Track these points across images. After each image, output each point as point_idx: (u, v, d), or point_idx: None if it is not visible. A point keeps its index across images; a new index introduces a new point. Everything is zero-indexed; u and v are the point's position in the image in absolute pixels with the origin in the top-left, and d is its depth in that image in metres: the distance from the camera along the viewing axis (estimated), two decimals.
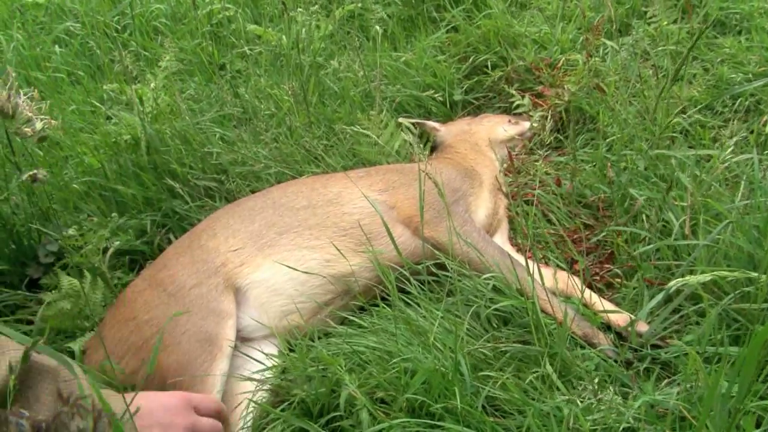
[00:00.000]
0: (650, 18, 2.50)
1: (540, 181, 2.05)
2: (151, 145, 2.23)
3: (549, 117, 2.31)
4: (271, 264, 1.69)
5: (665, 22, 2.42)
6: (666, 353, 1.40)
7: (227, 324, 1.57)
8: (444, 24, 2.85)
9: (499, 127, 2.34)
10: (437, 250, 1.73)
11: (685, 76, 1.88)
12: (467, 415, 1.24)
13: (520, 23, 2.69)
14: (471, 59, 2.64)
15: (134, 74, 2.51)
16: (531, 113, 2.41)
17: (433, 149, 2.39)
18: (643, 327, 1.48)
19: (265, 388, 1.50)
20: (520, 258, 1.76)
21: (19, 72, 2.83)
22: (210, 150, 2.29)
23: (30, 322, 1.80)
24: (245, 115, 2.54)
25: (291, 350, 1.56)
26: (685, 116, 2.03)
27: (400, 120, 2.38)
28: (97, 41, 2.95)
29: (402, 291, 1.56)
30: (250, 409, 1.43)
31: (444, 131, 2.39)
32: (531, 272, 1.49)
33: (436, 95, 2.53)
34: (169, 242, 2.08)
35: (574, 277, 1.65)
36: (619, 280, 1.68)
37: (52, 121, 0.94)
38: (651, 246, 1.61)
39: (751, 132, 1.94)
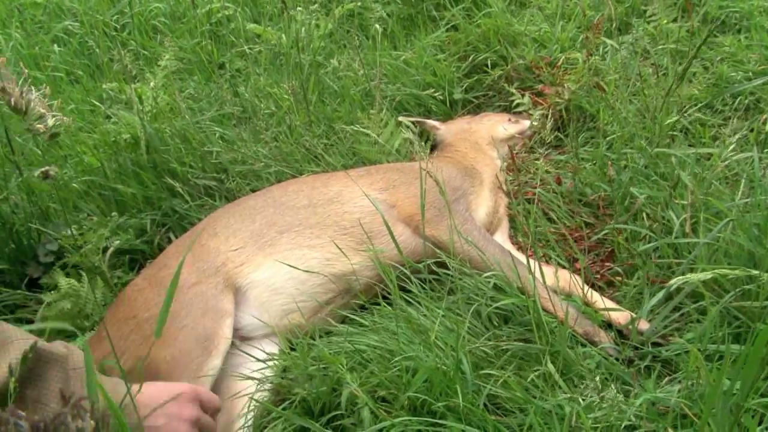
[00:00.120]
0: (650, 17, 2.50)
1: (540, 180, 2.05)
2: (150, 144, 2.23)
3: (550, 115, 2.31)
4: (271, 263, 1.68)
5: (665, 21, 2.42)
6: (667, 351, 1.40)
7: (225, 322, 1.56)
8: (444, 23, 2.85)
9: (499, 126, 2.34)
10: (438, 249, 1.72)
11: (677, 73, 1.87)
12: (469, 413, 1.24)
13: (520, 22, 2.69)
14: (471, 58, 2.64)
15: (133, 73, 2.51)
16: (531, 112, 2.41)
17: (433, 148, 2.39)
18: (644, 325, 1.48)
19: (266, 387, 1.50)
20: (521, 256, 1.75)
21: (18, 71, 2.82)
22: (210, 149, 2.29)
23: (30, 321, 1.80)
24: (245, 114, 2.54)
25: (292, 349, 1.56)
26: (685, 114, 2.03)
27: (400, 119, 2.38)
28: (96, 40, 2.95)
29: (403, 289, 1.56)
30: (251, 407, 1.43)
31: (444, 130, 2.39)
32: (532, 270, 1.49)
33: (436, 94, 2.53)
34: (169, 241, 2.09)
35: (575, 276, 1.65)
36: (619, 278, 1.68)
37: (64, 118, 0.94)
38: (652, 244, 1.61)
39: (751, 130, 1.94)
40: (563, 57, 2.50)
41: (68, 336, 1.71)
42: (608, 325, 1.54)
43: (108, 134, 2.31)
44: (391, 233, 1.61)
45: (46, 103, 0.94)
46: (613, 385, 1.21)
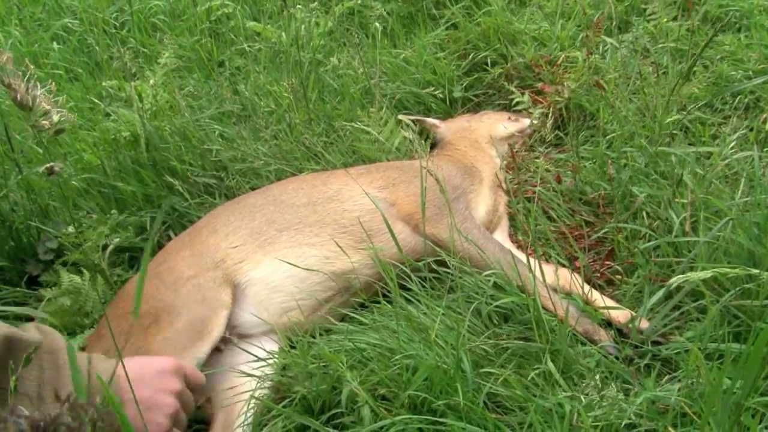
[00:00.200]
0: (650, 15, 2.50)
1: (540, 178, 2.05)
2: (150, 142, 2.23)
3: (550, 114, 2.31)
4: (271, 261, 1.68)
5: (665, 20, 2.42)
6: (667, 350, 1.41)
7: (221, 313, 1.57)
8: (444, 21, 2.85)
9: (499, 124, 2.34)
10: (438, 247, 1.73)
11: (682, 73, 1.88)
12: (469, 411, 1.24)
13: (520, 20, 2.69)
14: (471, 56, 2.64)
15: (133, 71, 2.50)
16: (531, 110, 2.41)
17: (433, 146, 2.39)
18: (643, 324, 1.49)
19: (266, 385, 1.50)
20: (520, 255, 1.76)
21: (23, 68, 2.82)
22: (209, 147, 2.29)
23: (29, 319, 1.80)
24: (245, 112, 2.54)
25: (292, 347, 1.56)
26: (685, 113, 2.03)
27: (400, 117, 2.38)
28: (96, 38, 2.94)
29: (402, 288, 1.56)
30: (251, 405, 1.43)
31: (444, 128, 2.39)
32: (532, 269, 1.50)
33: (435, 92, 2.53)
34: (169, 239, 2.08)
35: (575, 274, 1.65)
36: (619, 276, 1.68)
37: (69, 115, 0.94)
38: (652, 243, 1.61)
39: (751, 129, 1.94)
40: (563, 55, 2.50)
41: (70, 334, 1.71)
42: (608, 324, 1.55)
43: (108, 132, 2.31)
44: (391, 231, 1.61)
45: (51, 100, 0.94)
46: (613, 384, 1.22)
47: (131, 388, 1.04)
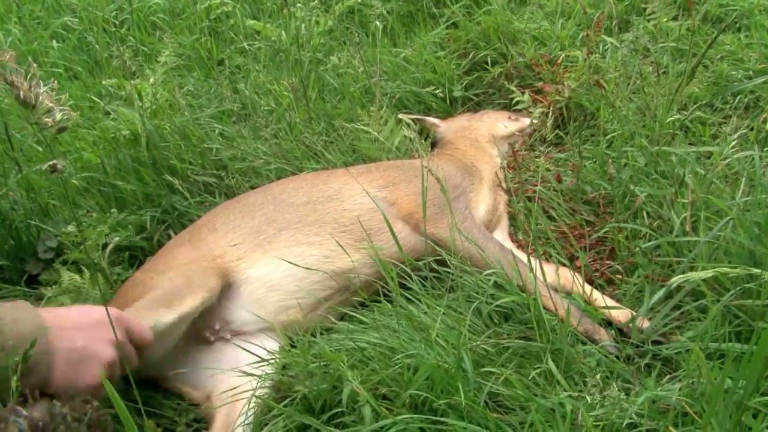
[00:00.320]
0: (650, 15, 2.50)
1: (541, 178, 2.05)
2: (150, 141, 2.22)
3: (551, 113, 2.31)
4: (269, 260, 1.68)
5: (665, 19, 2.43)
6: (667, 349, 1.41)
7: (199, 293, 1.54)
8: (444, 20, 2.84)
9: (499, 124, 2.34)
10: (438, 247, 1.73)
11: (686, 73, 1.88)
12: (470, 411, 1.24)
13: (520, 19, 2.69)
14: (471, 55, 2.64)
15: (133, 70, 2.50)
16: (531, 110, 2.41)
17: (433, 145, 2.39)
18: (644, 323, 1.49)
19: (266, 384, 1.50)
20: (521, 254, 1.76)
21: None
22: (209, 146, 2.29)
23: None
24: (244, 110, 2.54)
25: (293, 346, 1.56)
26: (686, 114, 2.03)
27: (400, 116, 2.37)
28: (95, 36, 2.94)
29: (403, 287, 1.56)
30: (252, 405, 1.43)
31: (444, 127, 2.39)
32: (533, 268, 1.50)
33: (436, 91, 2.53)
34: (169, 238, 2.08)
35: (576, 274, 1.65)
36: (619, 276, 1.68)
37: (72, 113, 0.94)
38: (652, 243, 1.61)
39: (751, 129, 1.94)
40: (563, 55, 2.50)
41: None
42: (608, 324, 1.55)
43: (107, 130, 2.30)
44: (391, 230, 1.61)
45: (53, 98, 0.94)
46: (614, 383, 1.22)
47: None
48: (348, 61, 2.61)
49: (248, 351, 1.54)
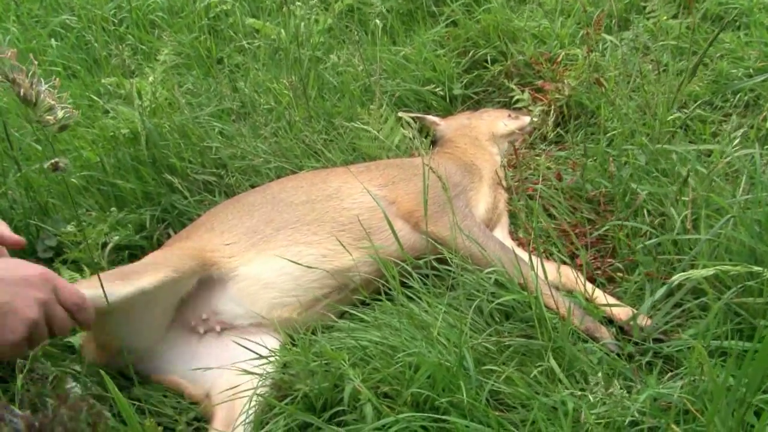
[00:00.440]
0: (649, 13, 2.50)
1: (542, 176, 2.05)
2: (149, 140, 2.22)
3: (552, 111, 2.31)
4: (264, 259, 1.68)
5: (664, 17, 2.43)
6: (668, 347, 1.41)
7: (161, 271, 1.51)
8: (443, 18, 2.84)
9: (499, 122, 2.34)
10: (438, 245, 1.72)
11: (688, 71, 1.88)
12: (472, 409, 1.24)
13: (520, 18, 2.69)
14: (470, 54, 2.63)
15: (132, 68, 2.49)
16: (531, 108, 2.41)
17: (432, 144, 2.39)
18: (645, 321, 1.49)
19: (267, 383, 1.49)
20: (522, 253, 1.76)
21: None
22: (209, 144, 2.28)
23: None
24: (244, 109, 2.53)
25: (293, 344, 1.56)
26: (685, 111, 2.03)
27: (400, 114, 2.38)
28: (94, 35, 2.93)
29: (403, 285, 1.56)
30: (253, 403, 1.43)
31: (444, 126, 2.39)
32: (534, 267, 1.49)
33: (435, 90, 2.52)
34: (168, 236, 2.08)
35: (576, 272, 1.65)
36: (620, 274, 1.68)
37: (73, 110, 0.94)
38: (653, 240, 1.61)
39: (751, 127, 1.94)
40: (563, 53, 2.50)
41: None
42: (609, 321, 1.55)
43: (107, 129, 2.30)
44: (392, 229, 1.61)
45: (55, 95, 0.93)
46: (616, 381, 1.22)
47: None
48: (348, 60, 2.61)
49: (248, 349, 1.54)
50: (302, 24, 2.52)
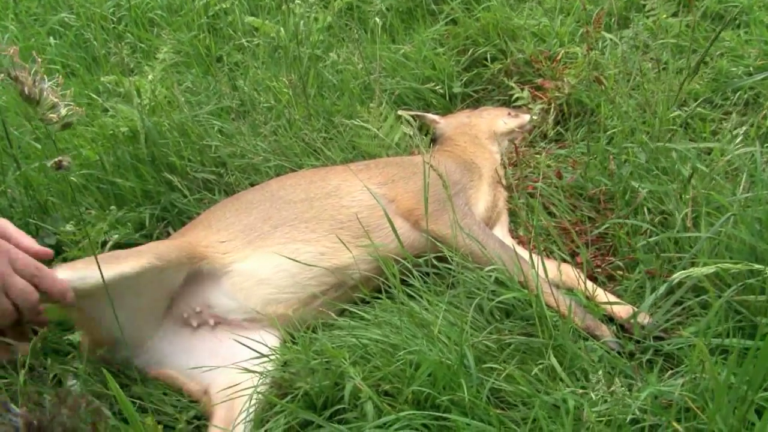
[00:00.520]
0: (649, 11, 2.50)
1: (542, 174, 2.05)
2: (149, 138, 2.22)
3: (552, 109, 2.31)
4: (260, 255, 1.68)
5: (664, 15, 2.43)
6: (669, 345, 1.41)
7: (144, 257, 1.51)
8: (443, 16, 2.84)
9: (499, 120, 2.34)
10: (438, 243, 1.72)
11: (690, 69, 1.88)
12: (473, 407, 1.24)
13: (519, 16, 2.68)
14: (470, 52, 2.63)
15: (131, 66, 2.49)
16: (530, 106, 2.41)
17: (432, 142, 2.39)
18: (645, 319, 1.49)
19: (266, 381, 1.49)
20: (523, 251, 1.76)
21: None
22: (208, 143, 2.28)
23: None
24: (243, 107, 2.53)
25: (294, 342, 1.56)
26: (685, 109, 2.03)
27: (400, 112, 2.38)
28: (93, 33, 2.93)
29: (403, 283, 1.56)
30: (254, 401, 1.43)
31: (443, 124, 2.38)
32: (535, 265, 1.49)
33: (435, 88, 2.52)
34: (168, 235, 2.08)
35: (577, 269, 1.65)
36: (621, 272, 1.68)
37: (77, 108, 0.93)
38: (654, 238, 1.61)
39: (751, 125, 1.94)
40: (563, 51, 2.49)
41: (68, 329, 1.70)
42: (609, 319, 1.55)
43: (106, 127, 2.29)
44: (393, 227, 1.61)
45: (58, 93, 0.93)
46: (617, 379, 1.22)
47: None
48: (347, 58, 2.61)
49: (247, 347, 1.54)
50: (302, 22, 2.52)
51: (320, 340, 1.49)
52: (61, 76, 0.98)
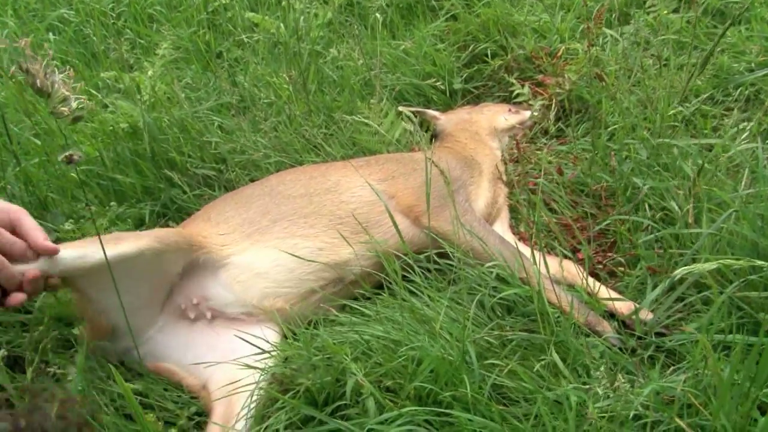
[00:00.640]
0: (649, 7, 2.50)
1: (543, 170, 2.05)
2: (149, 134, 2.21)
3: (553, 106, 2.30)
4: (258, 249, 1.68)
5: (665, 11, 2.42)
6: (671, 341, 1.41)
7: (143, 240, 1.52)
8: (443, 12, 2.83)
9: (499, 116, 2.33)
10: (439, 240, 1.72)
11: (697, 66, 1.88)
12: (475, 403, 1.24)
13: (520, 12, 2.68)
14: (470, 48, 2.63)
15: (130, 62, 2.48)
16: (531, 102, 2.40)
17: (433, 138, 2.39)
18: (647, 315, 1.49)
19: (266, 377, 1.49)
20: (524, 247, 1.75)
21: (12, 60, 2.79)
22: (208, 139, 2.27)
23: (28, 312, 1.79)
24: (243, 103, 2.52)
25: (295, 339, 1.55)
26: (686, 105, 2.03)
27: (400, 109, 2.37)
28: (92, 29, 2.92)
29: (404, 279, 1.56)
30: (255, 397, 1.42)
31: (444, 120, 2.38)
32: (536, 261, 1.49)
33: (436, 84, 2.52)
34: None
35: (578, 266, 1.65)
36: (622, 268, 1.68)
37: (87, 101, 0.93)
38: (655, 234, 1.61)
39: (752, 121, 1.94)
40: (563, 47, 2.49)
41: (68, 324, 1.70)
42: (611, 316, 1.55)
43: (106, 123, 2.29)
44: (394, 222, 1.60)
45: (69, 86, 0.92)
46: (620, 375, 1.22)
47: None
48: (347, 54, 2.60)
49: (247, 342, 1.53)
50: (302, 18, 2.51)
51: (322, 336, 1.49)
52: (72, 69, 0.97)
